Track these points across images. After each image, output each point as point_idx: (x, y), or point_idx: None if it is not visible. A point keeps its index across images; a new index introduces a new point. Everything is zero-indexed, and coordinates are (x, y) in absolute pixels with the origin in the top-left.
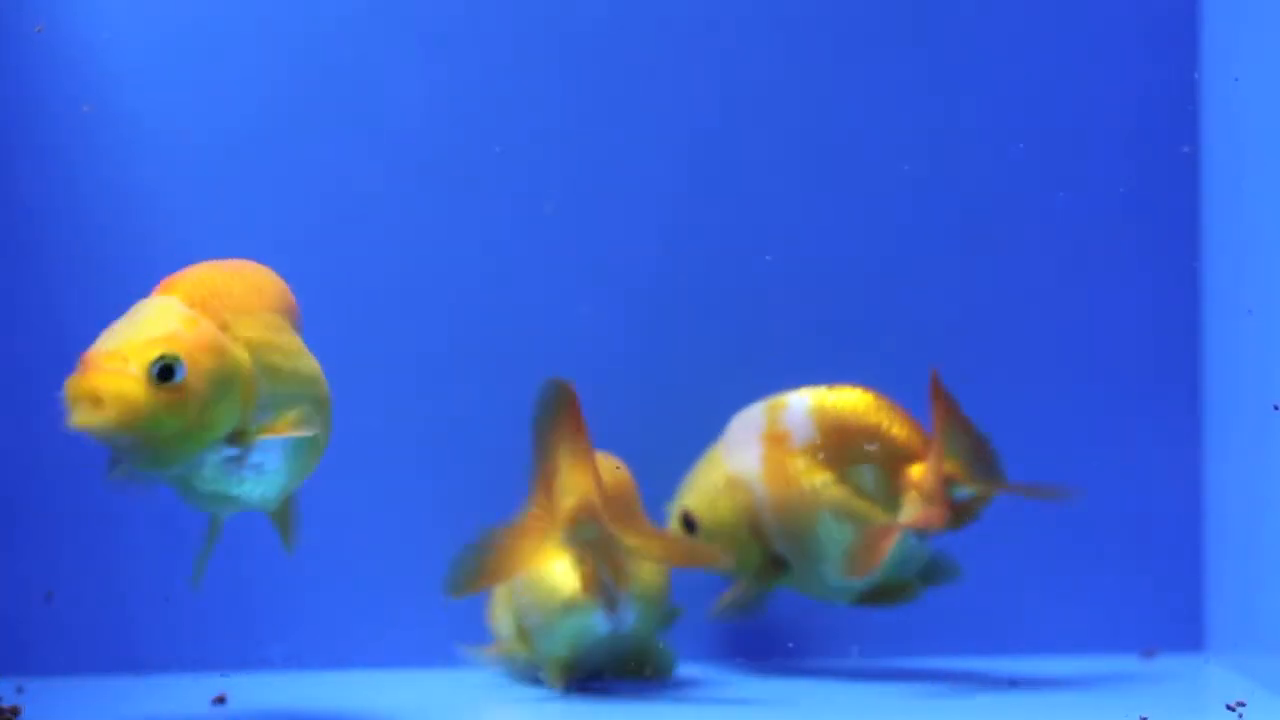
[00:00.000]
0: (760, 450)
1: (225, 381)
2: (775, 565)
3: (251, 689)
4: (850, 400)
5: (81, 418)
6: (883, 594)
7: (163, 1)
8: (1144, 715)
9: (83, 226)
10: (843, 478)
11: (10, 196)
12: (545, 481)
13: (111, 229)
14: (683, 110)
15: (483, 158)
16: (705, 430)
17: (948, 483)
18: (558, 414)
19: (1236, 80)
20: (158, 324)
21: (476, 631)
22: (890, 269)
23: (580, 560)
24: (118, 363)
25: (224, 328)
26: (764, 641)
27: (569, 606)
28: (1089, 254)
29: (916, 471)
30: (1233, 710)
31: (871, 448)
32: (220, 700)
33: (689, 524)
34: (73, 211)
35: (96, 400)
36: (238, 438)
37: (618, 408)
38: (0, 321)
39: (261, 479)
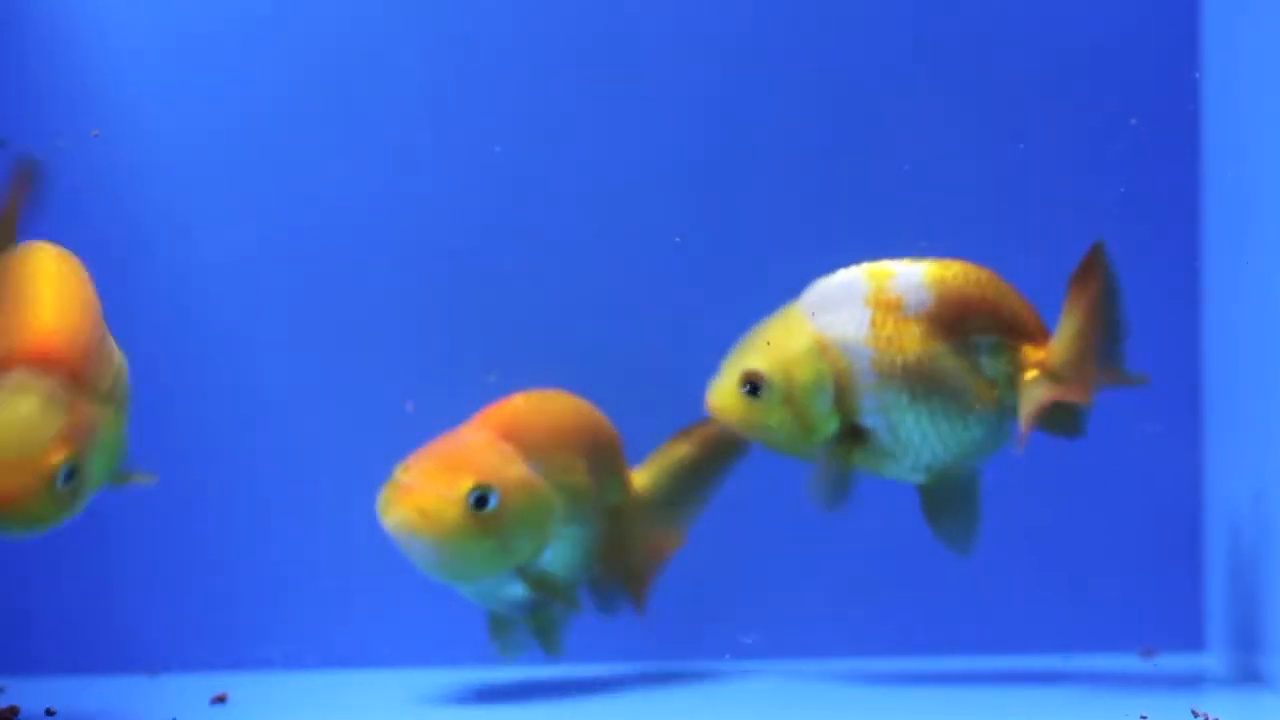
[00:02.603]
0: (867, 315)
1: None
2: (853, 438)
3: (251, 689)
4: (969, 272)
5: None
6: (949, 479)
7: (163, 3)
8: (1144, 715)
9: (83, 229)
10: (958, 350)
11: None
12: None
13: (112, 232)
14: (681, 110)
15: (483, 158)
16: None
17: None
18: None
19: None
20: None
21: (475, 631)
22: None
23: None
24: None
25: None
26: (750, 641)
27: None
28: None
29: (1033, 352)
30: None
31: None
32: (220, 699)
33: (753, 386)
34: (74, 213)
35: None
36: None
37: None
38: None
39: None
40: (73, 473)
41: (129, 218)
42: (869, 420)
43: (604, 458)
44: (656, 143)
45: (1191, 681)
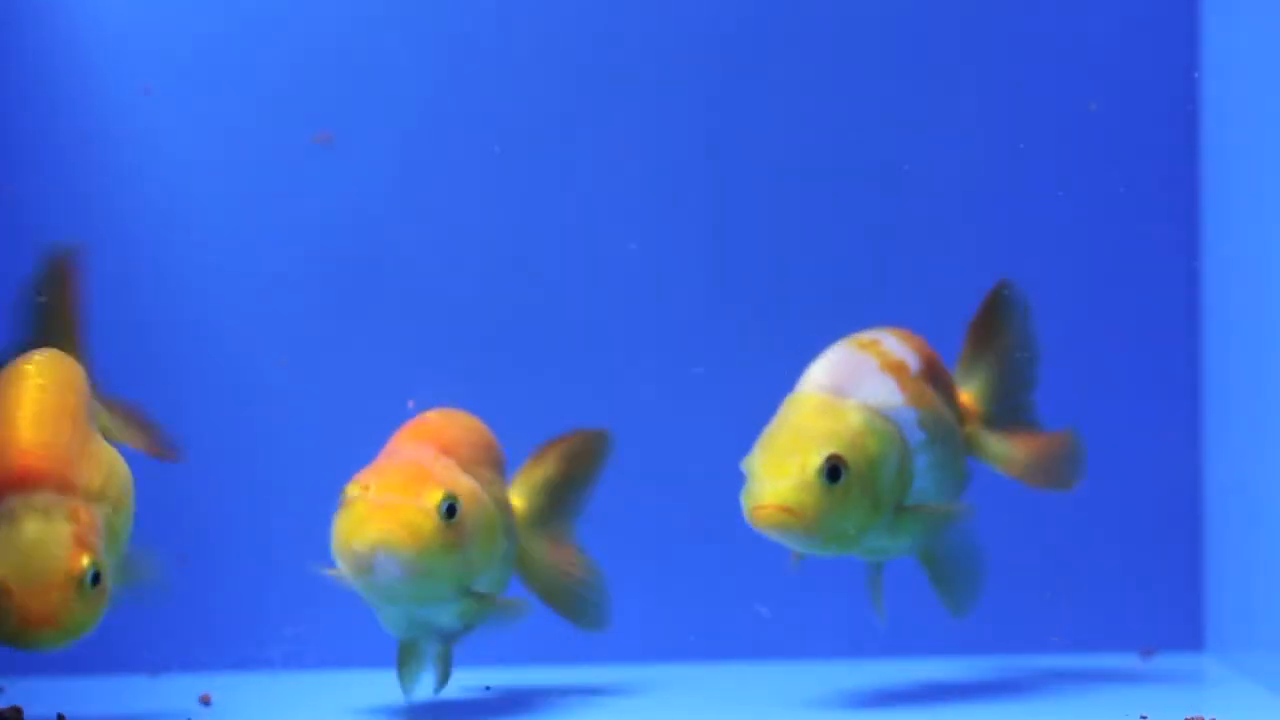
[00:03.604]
0: (891, 379)
1: None
2: (900, 511)
3: (251, 689)
4: (916, 336)
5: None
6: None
7: (162, 3)
8: (1144, 715)
9: (85, 228)
10: (944, 404)
11: (11, 199)
12: None
13: (114, 232)
14: (680, 111)
15: (482, 158)
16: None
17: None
18: None
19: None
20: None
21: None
22: (888, 265)
23: None
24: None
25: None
26: (748, 639)
27: None
28: (1087, 254)
29: (968, 398)
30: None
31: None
32: (205, 701)
33: (835, 471)
34: (74, 214)
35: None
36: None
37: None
38: (2, 325)
39: None
40: (97, 575)
41: (129, 218)
42: (920, 483)
43: (501, 477)
44: (657, 145)
45: (1191, 681)
